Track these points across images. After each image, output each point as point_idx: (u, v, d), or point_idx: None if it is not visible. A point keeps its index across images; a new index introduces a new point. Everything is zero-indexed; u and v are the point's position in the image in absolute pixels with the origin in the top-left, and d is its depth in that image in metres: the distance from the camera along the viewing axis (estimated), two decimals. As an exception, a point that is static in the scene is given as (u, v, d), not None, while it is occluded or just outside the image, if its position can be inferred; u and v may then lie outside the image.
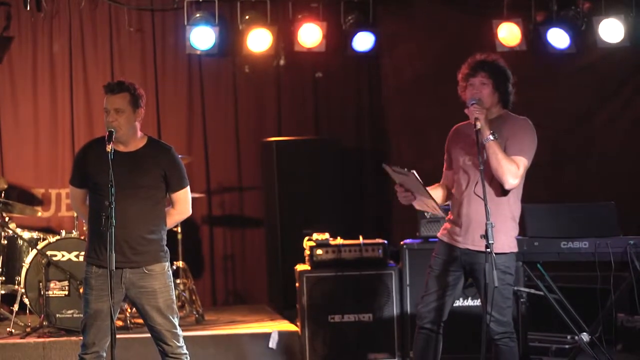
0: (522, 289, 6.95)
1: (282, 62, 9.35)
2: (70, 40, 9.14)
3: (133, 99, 5.53)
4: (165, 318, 5.53)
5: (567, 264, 6.87)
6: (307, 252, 7.90)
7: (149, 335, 5.67)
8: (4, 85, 9.06)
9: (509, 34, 9.01)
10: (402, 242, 7.82)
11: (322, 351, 7.76)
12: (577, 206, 6.88)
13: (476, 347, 5.69)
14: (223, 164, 9.56)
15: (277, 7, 9.18)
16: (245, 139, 9.57)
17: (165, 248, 5.62)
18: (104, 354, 5.52)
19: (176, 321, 5.58)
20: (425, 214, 7.68)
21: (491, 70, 5.72)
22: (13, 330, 7.64)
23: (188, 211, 5.73)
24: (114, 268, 5.17)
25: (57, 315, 7.64)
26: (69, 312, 7.66)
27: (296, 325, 7.94)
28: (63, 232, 7.92)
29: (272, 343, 7.75)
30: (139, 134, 5.60)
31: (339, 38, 9.17)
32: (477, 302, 7.24)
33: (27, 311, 7.78)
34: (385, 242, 7.96)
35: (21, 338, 7.53)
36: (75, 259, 7.69)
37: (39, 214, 8.62)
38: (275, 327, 7.96)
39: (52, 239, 7.82)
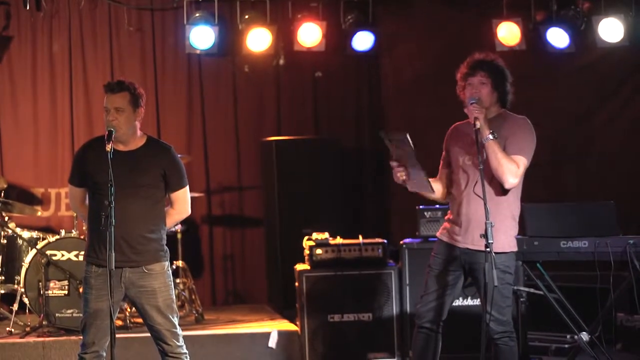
0: (522, 288, 6.95)
1: (281, 61, 9.35)
2: (70, 39, 9.14)
3: (133, 98, 5.53)
4: (165, 317, 5.53)
5: (566, 263, 6.87)
6: (307, 251, 7.90)
7: (148, 334, 5.67)
8: (3, 85, 9.06)
9: (508, 33, 9.02)
10: (401, 242, 7.82)
11: (322, 350, 7.76)
12: (576, 206, 6.88)
13: (476, 347, 5.69)
14: (223, 163, 9.56)
15: (276, 6, 9.19)
16: (244, 138, 9.58)
17: (165, 247, 5.62)
18: (104, 354, 5.52)
19: (176, 320, 5.58)
20: (425, 213, 7.69)
21: (490, 69, 5.72)
22: (13, 330, 7.64)
23: (187, 211, 5.73)
24: (113, 267, 5.17)
25: (57, 314, 7.64)
26: (69, 311, 7.66)
27: (296, 325, 7.94)
28: (63, 232, 7.92)
29: (272, 342, 7.75)
30: (139, 133, 5.60)
31: (338, 38, 9.17)
32: (477, 302, 7.25)
33: (27, 311, 7.78)
34: (385, 241, 7.96)
35: (21, 337, 7.53)
36: (74, 259, 7.69)
37: (39, 213, 8.62)
38: (274, 327, 7.96)
39: (51, 238, 7.82)
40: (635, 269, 6.37)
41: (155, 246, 5.54)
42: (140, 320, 6.76)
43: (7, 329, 7.65)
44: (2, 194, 8.15)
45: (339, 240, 7.93)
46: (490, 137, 5.53)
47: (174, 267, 8.08)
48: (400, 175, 5.71)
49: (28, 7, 8.83)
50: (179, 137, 9.26)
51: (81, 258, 7.46)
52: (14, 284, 7.96)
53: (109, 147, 5.31)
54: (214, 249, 9.53)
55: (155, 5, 9.33)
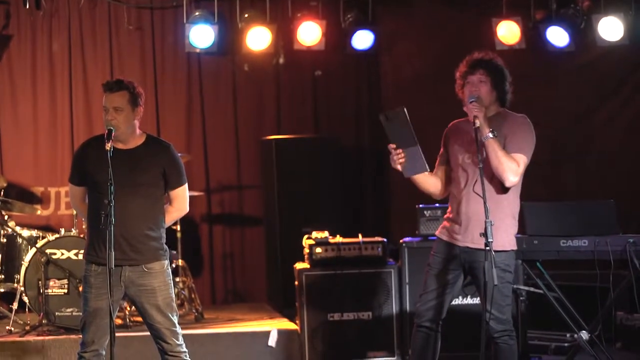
0: (522, 287, 6.95)
1: (281, 60, 9.35)
2: (70, 38, 9.14)
3: (132, 97, 5.53)
4: (165, 316, 5.53)
5: (566, 262, 6.86)
6: (307, 250, 7.90)
7: (148, 333, 5.67)
8: (3, 84, 9.05)
9: (508, 32, 9.01)
10: (401, 241, 7.82)
11: (322, 349, 7.76)
12: (576, 204, 6.88)
13: (475, 346, 5.69)
14: (222, 162, 9.56)
15: (276, 5, 9.18)
16: (244, 137, 9.57)
17: (165, 246, 5.62)
18: (103, 352, 5.52)
19: (175, 319, 5.58)
20: (425, 212, 7.69)
21: (489, 68, 5.73)
22: (12, 329, 7.64)
23: (186, 208, 5.74)
24: (113, 266, 5.17)
25: (57, 313, 7.63)
26: (68, 310, 7.65)
27: (295, 324, 7.94)
28: (62, 231, 7.91)
29: (272, 341, 7.75)
30: (138, 131, 5.61)
31: (338, 36, 9.17)
32: (477, 301, 7.24)
33: (27, 309, 7.77)
34: (385, 240, 7.95)
35: (20, 336, 7.53)
36: (74, 257, 7.69)
37: (39, 212, 8.61)
38: (274, 326, 7.96)
39: (51, 237, 7.82)
40: (635, 268, 6.37)
41: (154, 245, 5.55)
42: (139, 319, 6.75)
43: (7, 327, 7.65)
44: (2, 193, 8.15)
45: (338, 239, 7.93)
46: (490, 135, 5.53)
47: (173, 265, 8.07)
48: (397, 158, 5.68)
49: (28, 6, 8.83)
50: (178, 136, 9.26)
51: (81, 257, 7.46)
52: (14, 282, 7.96)
53: (108, 146, 5.31)
54: (214, 247, 9.53)
55: (155, 4, 9.33)
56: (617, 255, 6.41)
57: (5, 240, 8.00)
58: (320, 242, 7.89)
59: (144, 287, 5.51)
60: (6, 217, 8.06)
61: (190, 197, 5.79)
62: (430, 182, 5.87)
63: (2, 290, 8.05)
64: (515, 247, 5.77)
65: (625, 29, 8.77)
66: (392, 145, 5.68)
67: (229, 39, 9.15)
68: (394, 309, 7.78)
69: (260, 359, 7.72)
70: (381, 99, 9.79)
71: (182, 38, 8.98)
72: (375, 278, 7.82)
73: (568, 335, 7.64)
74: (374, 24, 9.17)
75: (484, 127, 5.55)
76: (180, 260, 8.43)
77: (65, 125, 9.13)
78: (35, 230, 8.09)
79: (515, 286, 6.48)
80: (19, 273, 7.82)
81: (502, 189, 5.65)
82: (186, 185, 5.69)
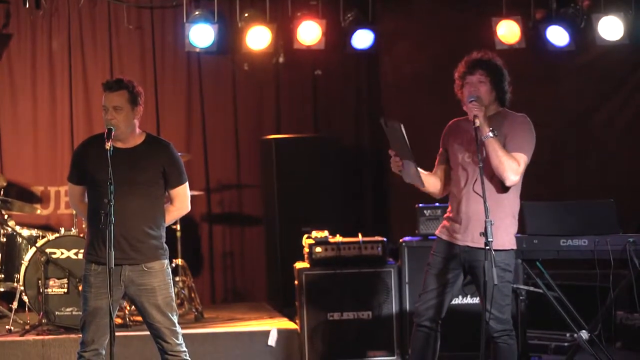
0: (522, 286, 6.94)
1: (281, 59, 9.34)
2: (70, 38, 9.14)
3: (131, 96, 5.53)
4: (165, 315, 5.52)
5: (566, 261, 6.86)
6: (306, 249, 7.90)
7: (148, 332, 5.67)
8: (3, 83, 9.05)
9: (508, 31, 9.00)
10: (401, 240, 7.83)
11: (321, 349, 7.76)
12: (576, 204, 6.87)
13: (475, 345, 5.69)
14: (222, 161, 9.56)
15: (276, 4, 9.18)
16: (244, 136, 9.57)
17: (165, 246, 5.62)
18: (103, 352, 5.52)
19: (175, 319, 5.57)
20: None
21: (489, 68, 5.73)
22: (12, 328, 7.64)
23: (187, 207, 5.74)
24: (112, 266, 5.17)
25: (56, 312, 7.63)
26: (68, 309, 7.65)
27: (295, 323, 7.94)
28: (62, 230, 7.91)
29: (272, 341, 7.75)
30: (138, 130, 5.60)
31: (338, 35, 9.17)
32: (476, 300, 7.24)
33: (26, 309, 7.77)
34: (385, 239, 7.95)
35: (20, 336, 7.53)
36: (74, 257, 7.69)
37: (38, 211, 8.62)
38: (274, 325, 7.96)
39: (51, 236, 7.81)
40: (635, 268, 6.37)
41: (154, 244, 5.54)
42: (139, 318, 6.76)
43: (7, 327, 7.65)
44: (2, 192, 8.14)
45: (338, 238, 7.93)
46: (491, 134, 5.53)
47: (173, 265, 8.07)
48: (395, 166, 5.72)
49: (27, 5, 8.83)
50: (178, 135, 9.26)
51: (81, 256, 7.46)
52: (14, 282, 7.96)
53: (108, 145, 5.31)
54: (214, 247, 9.53)
55: (155, 3, 9.33)
56: (617, 254, 6.41)
57: (5, 239, 8.00)
58: (320, 242, 7.88)
59: (143, 286, 5.51)
60: (6, 217, 8.06)
61: (190, 197, 5.78)
62: (429, 182, 5.87)
63: (1, 289, 8.05)
64: (515, 247, 5.77)
65: (625, 29, 8.77)
66: (392, 152, 5.71)
67: (229, 38, 9.14)
68: (394, 308, 7.78)
69: (260, 359, 7.72)
70: (381, 99, 9.80)
71: (182, 37, 8.98)
72: (375, 277, 7.81)
73: (568, 334, 7.64)
74: (374, 23, 9.17)
75: (484, 126, 5.54)
76: (180, 260, 8.43)
77: (65, 125, 9.13)
78: (35, 229, 8.09)
79: (515, 286, 6.47)
80: (18, 272, 7.82)
81: (502, 188, 5.65)
82: (187, 184, 5.69)
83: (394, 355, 7.77)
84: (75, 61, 9.15)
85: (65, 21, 9.11)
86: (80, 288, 7.19)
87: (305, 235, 8.00)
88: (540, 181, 8.26)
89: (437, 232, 5.93)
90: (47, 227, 8.58)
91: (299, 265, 7.92)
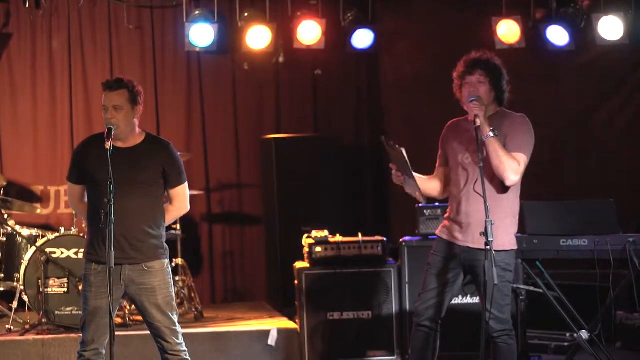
0: (522, 286, 6.94)
1: (281, 59, 9.34)
2: (70, 37, 9.14)
3: (131, 96, 5.53)
4: (165, 315, 5.52)
5: (566, 261, 6.86)
6: (306, 249, 7.90)
7: (148, 332, 5.67)
8: (3, 83, 9.05)
9: (508, 31, 9.00)
10: (401, 240, 7.83)
11: (321, 348, 7.76)
12: (576, 204, 6.87)
13: (475, 345, 5.69)
14: (222, 161, 9.56)
15: (276, 4, 9.18)
16: (244, 136, 9.57)
17: (165, 245, 5.62)
18: (103, 351, 5.52)
19: (175, 318, 5.57)
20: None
21: (488, 68, 5.73)
22: (12, 328, 7.64)
23: (186, 207, 5.74)
24: (112, 265, 5.17)
25: (56, 312, 7.64)
26: (68, 309, 7.65)
27: (295, 323, 7.94)
28: (62, 230, 7.91)
29: (271, 340, 7.75)
30: (137, 130, 5.60)
31: (338, 35, 9.16)
32: (476, 300, 7.24)
33: (26, 308, 7.77)
34: (385, 239, 7.95)
35: (20, 335, 7.53)
36: (74, 256, 7.69)
37: (38, 211, 8.62)
38: (274, 325, 7.96)
39: (51, 236, 7.82)
40: (635, 267, 6.36)
41: (154, 243, 5.54)
42: (139, 317, 6.76)
43: (7, 326, 7.65)
44: (2, 192, 8.14)
45: (338, 238, 7.93)
46: (491, 134, 5.53)
47: (173, 264, 8.07)
48: (399, 178, 5.74)
49: (27, 5, 8.83)
50: (178, 135, 9.26)
51: (81, 256, 7.46)
52: (14, 281, 7.96)
53: (108, 145, 5.31)
54: (214, 246, 9.53)
55: (155, 3, 9.33)
56: (617, 254, 6.40)
57: (5, 239, 8.00)
58: (320, 241, 7.88)
59: (143, 285, 5.51)
60: (6, 216, 8.06)
61: (190, 196, 5.78)
62: (430, 186, 5.88)
63: (1, 289, 8.04)
64: (515, 247, 5.77)
65: (625, 29, 8.76)
66: (393, 167, 5.72)
67: (229, 38, 9.14)
68: (394, 308, 7.78)
69: (260, 358, 7.72)
70: (381, 98, 9.80)
71: (182, 37, 8.97)
72: (375, 277, 7.81)
73: (568, 334, 7.64)
74: (374, 23, 9.17)
75: (484, 125, 5.54)
76: (180, 259, 8.42)
77: (65, 124, 9.13)
78: (35, 229, 8.09)
79: (515, 285, 6.46)
80: (18, 272, 7.82)
81: (502, 188, 5.65)
82: (186, 183, 5.69)
83: (394, 355, 7.77)
84: (75, 61, 9.15)
85: (65, 21, 9.11)
86: (80, 287, 7.19)
87: (305, 235, 8.00)
88: (541, 181, 8.26)
89: (437, 232, 5.94)
90: (47, 227, 8.58)
91: (299, 265, 7.92)
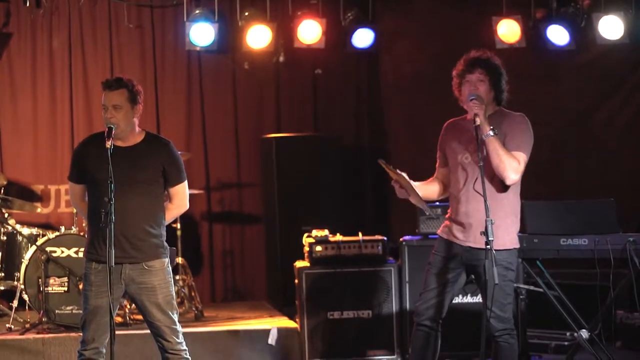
0: (522, 285, 6.95)
1: (281, 58, 9.33)
2: (70, 36, 9.14)
3: (131, 95, 5.53)
4: (165, 314, 5.52)
5: (566, 261, 6.87)
6: (307, 248, 7.90)
7: (148, 331, 5.67)
8: (3, 82, 9.05)
9: (508, 30, 9.00)
10: (401, 239, 7.82)
11: (321, 348, 7.76)
12: (576, 203, 6.87)
13: (476, 344, 5.69)
14: (222, 160, 9.56)
15: (276, 3, 9.18)
16: (244, 135, 9.57)
17: (165, 244, 5.62)
18: (103, 350, 5.52)
19: (175, 317, 5.58)
20: (426, 212, 7.70)
21: (488, 67, 5.73)
22: (12, 326, 7.64)
23: (185, 206, 5.74)
24: (113, 264, 5.17)
25: (57, 311, 7.64)
26: (68, 308, 7.66)
27: (295, 322, 7.94)
28: (62, 228, 7.91)
29: (272, 339, 7.75)
30: (137, 129, 5.60)
31: (338, 35, 9.16)
32: (477, 299, 7.25)
33: (27, 307, 7.78)
34: (385, 238, 7.95)
35: (20, 334, 7.53)
36: (74, 255, 7.69)
37: (39, 210, 8.62)
38: (274, 324, 7.96)
39: (51, 235, 7.82)
40: (635, 267, 6.37)
41: (155, 242, 5.54)
42: (140, 317, 6.76)
43: (7, 325, 7.65)
44: (2, 191, 8.14)
45: (338, 237, 7.93)
46: (491, 133, 5.53)
47: (173, 263, 8.07)
48: (402, 193, 5.76)
49: (28, 4, 8.84)
50: (178, 134, 9.26)
51: (81, 255, 7.46)
52: (14, 280, 7.96)
53: (108, 144, 5.31)
54: (214, 246, 9.53)
55: (155, 2, 9.32)
56: (617, 253, 6.41)
57: (5, 238, 8.01)
58: (320, 241, 7.89)
59: (144, 284, 5.51)
60: (6, 215, 8.06)
61: (190, 195, 5.79)
62: (429, 191, 5.89)
63: (2, 288, 8.05)
64: (517, 245, 5.75)
65: (625, 28, 8.76)
66: (395, 184, 5.73)
67: (229, 37, 9.13)
68: (394, 307, 7.78)
69: (260, 358, 7.72)
70: (381, 98, 9.80)
71: (182, 36, 8.97)
72: (375, 276, 7.81)
73: (568, 334, 7.64)
74: (374, 22, 9.17)
75: (484, 125, 5.54)
76: (180, 258, 8.43)
77: (65, 123, 9.13)
78: (36, 228, 8.09)
79: (515, 285, 6.47)
80: (19, 271, 7.82)
81: (502, 187, 5.64)
82: (186, 182, 5.69)
83: (394, 355, 7.77)
84: (75, 60, 9.15)
85: (66, 20, 9.11)
86: (80, 286, 7.19)
87: (306, 234, 8.00)
88: (541, 180, 8.27)
89: (438, 232, 5.93)
90: (47, 226, 8.59)
91: (299, 264, 7.92)
